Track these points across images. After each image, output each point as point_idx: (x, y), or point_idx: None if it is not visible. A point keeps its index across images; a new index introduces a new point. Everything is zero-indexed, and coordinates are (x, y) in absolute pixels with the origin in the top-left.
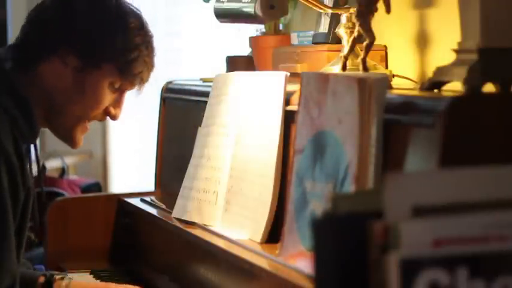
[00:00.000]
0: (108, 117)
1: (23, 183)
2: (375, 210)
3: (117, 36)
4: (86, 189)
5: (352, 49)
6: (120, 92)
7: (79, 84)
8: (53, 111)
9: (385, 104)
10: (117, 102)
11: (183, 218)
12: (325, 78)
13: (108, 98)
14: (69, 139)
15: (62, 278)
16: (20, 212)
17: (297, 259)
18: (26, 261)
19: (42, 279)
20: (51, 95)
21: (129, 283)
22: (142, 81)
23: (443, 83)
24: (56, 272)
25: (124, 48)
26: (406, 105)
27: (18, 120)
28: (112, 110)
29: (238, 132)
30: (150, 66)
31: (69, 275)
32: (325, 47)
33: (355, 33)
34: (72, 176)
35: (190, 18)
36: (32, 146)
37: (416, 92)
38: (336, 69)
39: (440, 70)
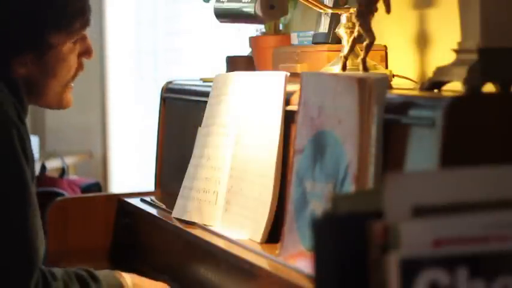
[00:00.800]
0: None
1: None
2: (375, 210)
3: (45, 8)
4: (86, 189)
5: (352, 49)
6: (79, 41)
7: (45, 67)
8: (33, 93)
9: (385, 104)
10: (85, 49)
11: (183, 218)
12: (325, 78)
13: (73, 59)
14: (61, 104)
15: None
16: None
17: (297, 259)
18: None
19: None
20: (27, 83)
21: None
22: (87, 19)
23: (443, 83)
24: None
25: (52, 12)
26: (406, 105)
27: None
28: (85, 56)
29: (238, 132)
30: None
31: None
32: (325, 47)
33: (355, 33)
34: (72, 176)
35: (190, 18)
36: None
37: (416, 92)
38: (336, 69)
39: (440, 70)
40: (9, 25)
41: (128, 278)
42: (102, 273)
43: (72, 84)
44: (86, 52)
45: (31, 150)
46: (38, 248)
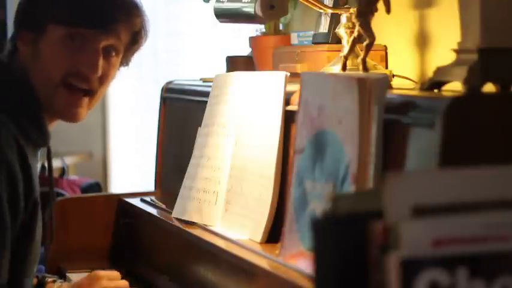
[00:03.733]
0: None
1: (27, 195)
2: (375, 210)
3: None
4: (86, 189)
5: (352, 49)
6: (86, 46)
7: (37, 54)
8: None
9: (385, 104)
10: (89, 59)
11: (183, 218)
12: (325, 78)
13: (61, 56)
14: (53, 109)
15: (54, 281)
16: (29, 223)
17: (297, 259)
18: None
19: (35, 281)
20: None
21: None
22: (93, 15)
23: (443, 83)
24: (48, 275)
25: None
26: (406, 105)
27: (24, 125)
28: (85, 69)
29: (238, 132)
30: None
31: (67, 275)
32: (325, 47)
33: (355, 33)
34: (72, 176)
35: (190, 18)
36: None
37: (416, 92)
38: (336, 69)
39: (440, 70)
40: None
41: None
42: None
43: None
44: (88, 66)
45: (31, 182)
46: None
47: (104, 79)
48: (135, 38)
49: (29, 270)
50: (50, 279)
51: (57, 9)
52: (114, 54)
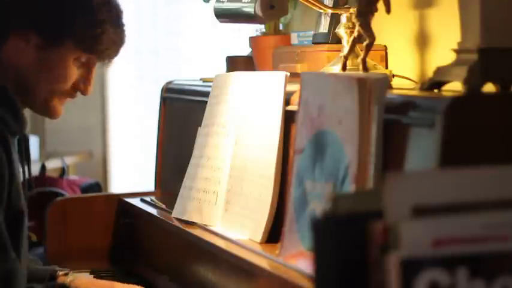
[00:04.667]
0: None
1: (10, 178)
2: (375, 210)
3: (78, 12)
4: (86, 189)
5: (352, 49)
6: (87, 67)
7: (43, 62)
8: (21, 89)
9: (385, 104)
10: (86, 78)
11: (183, 218)
12: (325, 78)
13: (73, 73)
14: (47, 112)
15: (66, 274)
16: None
17: (297, 259)
18: (37, 259)
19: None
20: (17, 74)
21: (133, 283)
22: (110, 56)
23: (443, 83)
24: (59, 268)
25: (86, 25)
26: (406, 105)
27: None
28: (81, 86)
29: (238, 132)
30: (117, 41)
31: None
32: (325, 47)
33: (355, 33)
34: (72, 176)
35: (191, 18)
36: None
37: (416, 92)
38: (336, 69)
39: (440, 70)
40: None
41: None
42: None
43: (68, 100)
44: (85, 82)
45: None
46: None
47: None
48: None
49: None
50: (61, 273)
51: (81, 34)
52: None
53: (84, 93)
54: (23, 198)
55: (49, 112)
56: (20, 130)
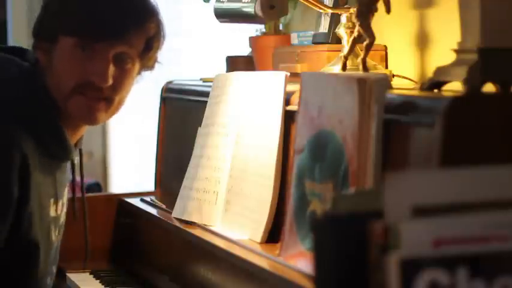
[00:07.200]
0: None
1: (20, 202)
2: (375, 210)
3: (57, 8)
4: (86, 189)
5: (352, 49)
6: (96, 57)
7: (52, 62)
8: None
9: (385, 104)
10: (98, 69)
11: (183, 218)
12: (325, 78)
13: (77, 65)
14: (75, 114)
15: None
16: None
17: (297, 259)
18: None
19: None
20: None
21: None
22: (111, 34)
23: (443, 83)
24: None
25: (65, 13)
26: (406, 105)
27: (42, 136)
28: (94, 78)
29: (238, 132)
30: (94, 6)
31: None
32: (325, 47)
33: (355, 33)
34: None
35: (191, 18)
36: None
37: (416, 92)
38: (336, 69)
39: (440, 70)
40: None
41: None
42: None
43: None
44: (98, 74)
45: (27, 191)
46: None
47: (118, 87)
48: (150, 43)
49: (41, 272)
50: None
51: (66, 21)
52: (128, 61)
53: (100, 84)
54: (41, 229)
55: (74, 113)
56: (65, 155)
